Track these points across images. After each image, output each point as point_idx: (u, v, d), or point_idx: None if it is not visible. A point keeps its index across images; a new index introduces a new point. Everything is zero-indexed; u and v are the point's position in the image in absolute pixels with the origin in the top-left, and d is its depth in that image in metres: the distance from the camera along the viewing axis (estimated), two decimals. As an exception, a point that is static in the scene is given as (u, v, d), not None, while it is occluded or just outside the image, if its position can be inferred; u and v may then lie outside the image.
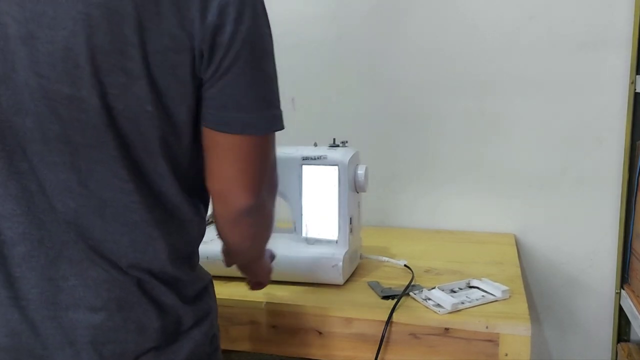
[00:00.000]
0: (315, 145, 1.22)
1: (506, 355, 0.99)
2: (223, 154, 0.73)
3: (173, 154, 0.71)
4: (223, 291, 1.15)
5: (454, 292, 1.12)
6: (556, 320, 1.55)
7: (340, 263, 1.13)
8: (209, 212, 1.41)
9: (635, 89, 1.41)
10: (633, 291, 1.40)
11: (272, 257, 1.03)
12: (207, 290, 0.81)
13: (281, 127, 0.75)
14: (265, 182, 0.77)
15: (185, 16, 0.66)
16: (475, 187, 1.56)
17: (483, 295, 1.10)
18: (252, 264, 0.98)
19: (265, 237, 0.89)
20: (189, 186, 0.75)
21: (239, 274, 1.18)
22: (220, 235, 0.84)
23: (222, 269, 1.19)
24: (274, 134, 0.76)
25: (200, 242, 0.82)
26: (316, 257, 1.15)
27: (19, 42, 0.64)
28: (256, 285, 1.03)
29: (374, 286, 1.15)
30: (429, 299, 1.08)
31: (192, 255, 0.80)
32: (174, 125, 0.70)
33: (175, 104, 0.69)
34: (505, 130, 1.52)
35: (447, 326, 1.02)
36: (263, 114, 0.72)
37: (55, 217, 0.68)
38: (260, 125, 0.72)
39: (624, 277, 1.47)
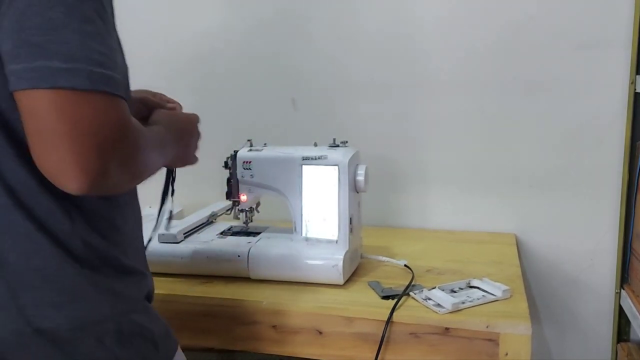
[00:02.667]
0: (315, 145, 1.22)
1: (506, 354, 0.99)
2: (22, 119, 0.63)
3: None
4: (224, 291, 1.15)
5: (455, 292, 1.12)
6: (556, 320, 1.56)
7: (341, 263, 1.13)
8: (210, 211, 1.42)
9: (635, 89, 1.41)
10: (633, 291, 1.40)
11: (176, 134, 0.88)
12: None
13: (73, 85, 0.60)
14: (98, 156, 0.62)
15: None
16: (476, 187, 1.56)
17: (483, 295, 1.10)
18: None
19: (139, 180, 0.74)
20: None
21: (238, 273, 1.19)
22: None
23: (222, 269, 1.20)
24: (87, 96, 0.61)
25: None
26: (316, 257, 1.15)
27: None
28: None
29: (374, 286, 1.15)
30: (430, 299, 1.08)
31: None
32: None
33: None
34: (506, 130, 1.52)
35: (447, 326, 1.02)
36: (33, 64, 0.60)
37: None
38: (27, 76, 0.60)
39: (624, 277, 1.47)
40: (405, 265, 1.24)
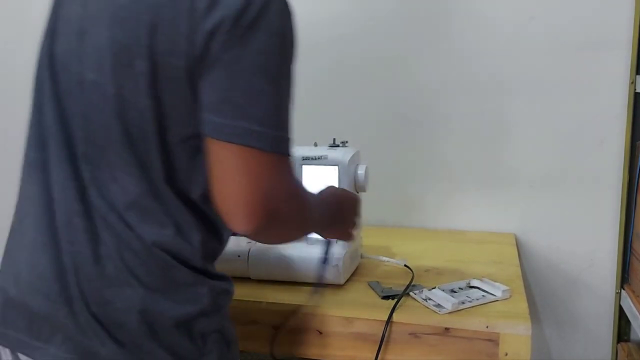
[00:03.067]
0: (315, 145, 1.22)
1: (506, 354, 0.99)
2: (209, 162, 0.73)
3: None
4: (223, 291, 1.15)
5: (454, 292, 1.12)
6: (556, 320, 1.56)
7: (341, 263, 1.13)
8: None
9: (635, 89, 1.41)
10: (633, 291, 1.40)
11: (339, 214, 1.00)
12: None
13: (263, 147, 0.71)
14: (263, 208, 0.72)
15: (186, 22, 0.70)
16: (476, 186, 1.56)
17: (483, 295, 1.10)
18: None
19: (294, 241, 0.92)
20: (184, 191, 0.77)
21: (239, 274, 1.19)
22: None
23: (222, 269, 1.19)
24: (271, 157, 0.72)
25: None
26: (316, 257, 1.15)
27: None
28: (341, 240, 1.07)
29: (374, 286, 1.15)
30: (429, 299, 1.08)
31: None
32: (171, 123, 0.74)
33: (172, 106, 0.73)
34: (506, 131, 1.52)
35: (447, 326, 1.02)
36: (234, 122, 0.70)
37: None
38: (227, 131, 0.71)
39: (624, 277, 1.47)
40: (405, 265, 1.24)
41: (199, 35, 0.69)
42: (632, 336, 1.49)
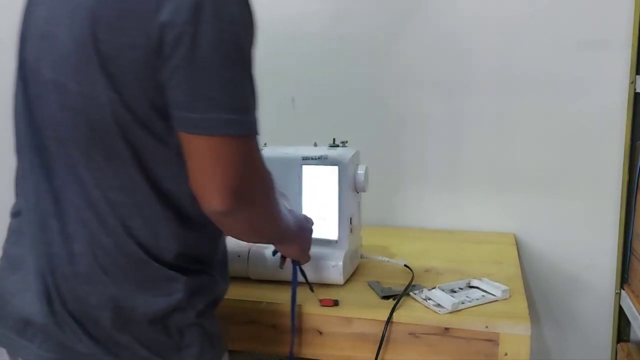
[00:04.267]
0: (315, 145, 1.22)
1: (506, 354, 0.99)
2: (186, 153, 0.74)
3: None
4: (223, 291, 1.15)
5: (454, 292, 1.12)
6: (556, 320, 1.56)
7: (341, 263, 1.13)
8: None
9: (635, 89, 1.41)
10: (633, 291, 1.40)
11: (304, 237, 1.03)
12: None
13: (237, 132, 0.73)
14: (236, 189, 0.74)
15: (141, 15, 0.70)
16: (476, 186, 1.56)
17: (483, 295, 1.10)
18: (277, 245, 1.03)
19: (265, 235, 0.90)
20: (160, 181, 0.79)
21: (238, 274, 1.19)
22: None
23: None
24: (243, 140, 0.74)
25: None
26: (316, 257, 1.15)
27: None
28: (294, 261, 1.08)
29: (374, 286, 1.15)
30: (429, 299, 1.08)
31: None
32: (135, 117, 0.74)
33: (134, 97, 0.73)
34: (506, 130, 1.52)
35: (447, 326, 1.02)
36: (209, 115, 0.71)
37: None
38: (204, 125, 0.72)
39: (624, 277, 1.47)
40: (405, 265, 1.24)
41: (154, 28, 0.69)
42: (632, 336, 1.49)
